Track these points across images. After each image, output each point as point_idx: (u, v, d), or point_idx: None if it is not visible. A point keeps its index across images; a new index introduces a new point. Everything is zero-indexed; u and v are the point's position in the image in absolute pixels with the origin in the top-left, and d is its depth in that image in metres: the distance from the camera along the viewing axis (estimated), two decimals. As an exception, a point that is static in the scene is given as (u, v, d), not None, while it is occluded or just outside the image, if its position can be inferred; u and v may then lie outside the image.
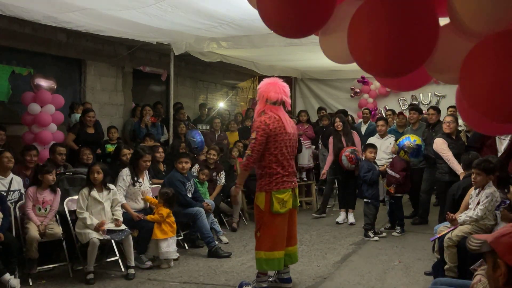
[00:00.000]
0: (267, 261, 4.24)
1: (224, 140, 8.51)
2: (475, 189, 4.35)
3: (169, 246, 5.09)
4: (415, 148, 6.39)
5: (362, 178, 6.39)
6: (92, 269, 4.62)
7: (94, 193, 4.82)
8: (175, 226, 5.23)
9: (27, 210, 4.70)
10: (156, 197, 5.46)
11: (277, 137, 4.15)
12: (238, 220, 6.85)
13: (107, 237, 4.69)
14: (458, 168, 5.72)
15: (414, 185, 6.95)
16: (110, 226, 4.79)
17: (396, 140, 6.82)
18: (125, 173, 5.30)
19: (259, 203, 4.22)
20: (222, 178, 6.74)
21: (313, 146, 8.96)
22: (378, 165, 6.54)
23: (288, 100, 4.30)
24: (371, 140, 7.21)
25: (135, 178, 5.32)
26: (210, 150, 6.80)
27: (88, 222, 4.66)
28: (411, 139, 6.47)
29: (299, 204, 4.51)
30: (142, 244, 5.11)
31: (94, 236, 4.58)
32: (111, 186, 5.03)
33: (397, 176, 6.35)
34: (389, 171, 6.40)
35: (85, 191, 4.80)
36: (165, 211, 5.14)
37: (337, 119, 7.18)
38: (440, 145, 6.05)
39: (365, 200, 6.44)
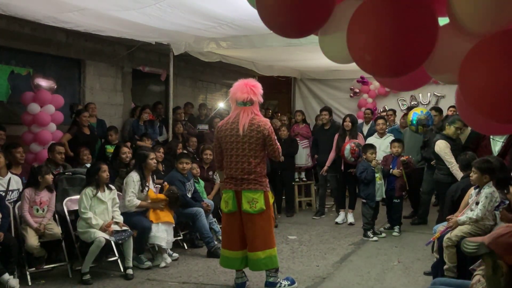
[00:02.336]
0: (221, 257, 4.42)
1: None
2: (474, 189, 4.35)
3: (158, 231, 5.07)
4: (428, 117, 6.64)
5: (358, 178, 6.42)
6: (88, 269, 4.61)
7: (98, 193, 4.81)
8: (171, 216, 5.27)
9: (24, 212, 4.69)
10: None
11: (221, 139, 4.30)
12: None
13: (112, 238, 4.68)
14: (460, 176, 5.61)
15: (414, 185, 6.96)
16: (114, 226, 4.79)
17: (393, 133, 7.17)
18: (136, 178, 5.19)
19: None
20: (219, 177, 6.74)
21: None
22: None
23: (258, 97, 4.25)
24: (370, 140, 7.21)
25: (144, 183, 5.24)
26: (206, 150, 6.80)
27: (93, 222, 4.65)
28: (418, 112, 6.65)
29: (252, 209, 4.15)
30: (141, 244, 5.11)
31: (100, 235, 4.58)
32: (112, 186, 5.03)
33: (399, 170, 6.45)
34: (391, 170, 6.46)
35: (89, 191, 4.76)
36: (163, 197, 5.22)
37: (348, 119, 7.19)
38: (443, 149, 5.92)
39: (362, 200, 6.45)
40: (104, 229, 4.65)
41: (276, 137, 4.33)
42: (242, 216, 4.23)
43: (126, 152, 5.87)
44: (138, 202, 5.14)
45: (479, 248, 1.77)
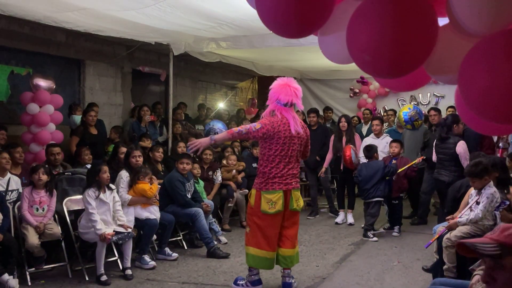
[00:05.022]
0: (254, 257, 4.30)
1: None
2: (475, 189, 4.34)
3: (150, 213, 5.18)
4: (416, 111, 6.92)
5: (387, 175, 6.29)
6: (103, 271, 4.61)
7: (100, 194, 4.80)
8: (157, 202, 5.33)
9: (23, 211, 4.68)
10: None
11: (279, 139, 4.16)
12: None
13: (114, 238, 4.67)
14: None
15: (414, 185, 6.95)
16: (118, 228, 4.78)
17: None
18: (125, 175, 5.26)
19: (251, 200, 4.32)
20: (218, 176, 6.73)
21: None
22: None
23: (299, 102, 4.31)
24: (367, 141, 7.20)
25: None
26: (206, 150, 6.79)
27: (98, 226, 4.61)
28: (407, 111, 6.89)
29: (298, 207, 4.34)
30: (145, 244, 5.11)
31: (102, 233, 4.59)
32: (112, 185, 5.02)
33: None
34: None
35: (90, 192, 4.73)
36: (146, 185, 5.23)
37: (343, 119, 7.19)
38: (467, 151, 5.78)
39: (376, 199, 6.33)
40: (101, 239, 4.60)
41: None
42: (286, 215, 4.30)
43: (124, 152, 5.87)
44: (129, 197, 5.16)
45: (502, 250, 1.51)
